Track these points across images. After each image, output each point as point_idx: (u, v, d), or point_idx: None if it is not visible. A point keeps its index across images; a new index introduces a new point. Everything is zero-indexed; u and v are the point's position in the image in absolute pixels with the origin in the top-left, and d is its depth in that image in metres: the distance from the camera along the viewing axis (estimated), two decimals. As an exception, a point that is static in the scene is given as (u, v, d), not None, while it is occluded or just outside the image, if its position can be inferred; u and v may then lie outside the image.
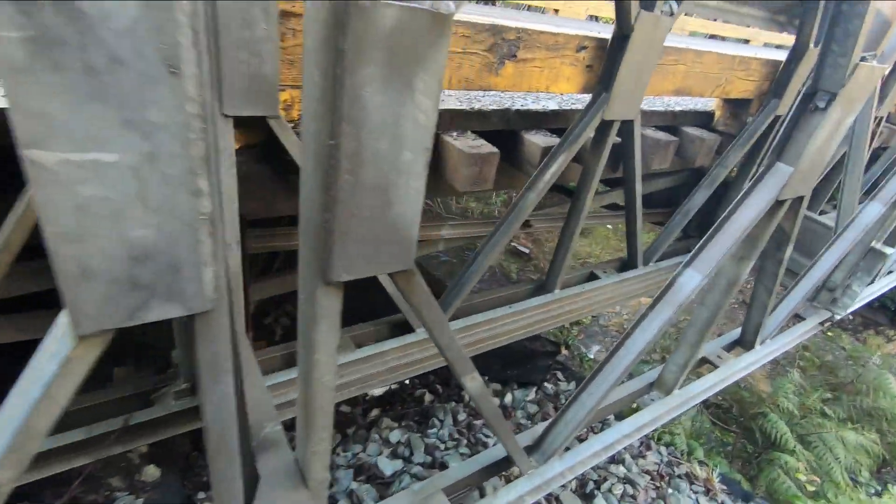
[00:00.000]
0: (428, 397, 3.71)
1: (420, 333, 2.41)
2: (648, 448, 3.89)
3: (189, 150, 0.59)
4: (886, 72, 1.64)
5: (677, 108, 3.32)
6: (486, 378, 3.88)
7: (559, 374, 4.27)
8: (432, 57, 0.69)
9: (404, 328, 2.40)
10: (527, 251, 10.39)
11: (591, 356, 7.98)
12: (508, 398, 3.80)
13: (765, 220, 1.85)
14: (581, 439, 2.22)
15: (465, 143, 2.16)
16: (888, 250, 3.09)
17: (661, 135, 3.03)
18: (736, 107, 3.39)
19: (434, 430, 3.60)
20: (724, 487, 3.97)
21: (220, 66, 1.37)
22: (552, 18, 6.74)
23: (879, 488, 4.34)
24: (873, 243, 3.12)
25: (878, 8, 1.52)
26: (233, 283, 1.75)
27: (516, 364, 3.91)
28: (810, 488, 4.03)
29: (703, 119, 3.51)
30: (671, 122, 3.26)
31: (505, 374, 3.90)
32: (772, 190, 1.75)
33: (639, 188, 2.85)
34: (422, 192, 0.83)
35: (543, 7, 8.07)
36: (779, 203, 1.81)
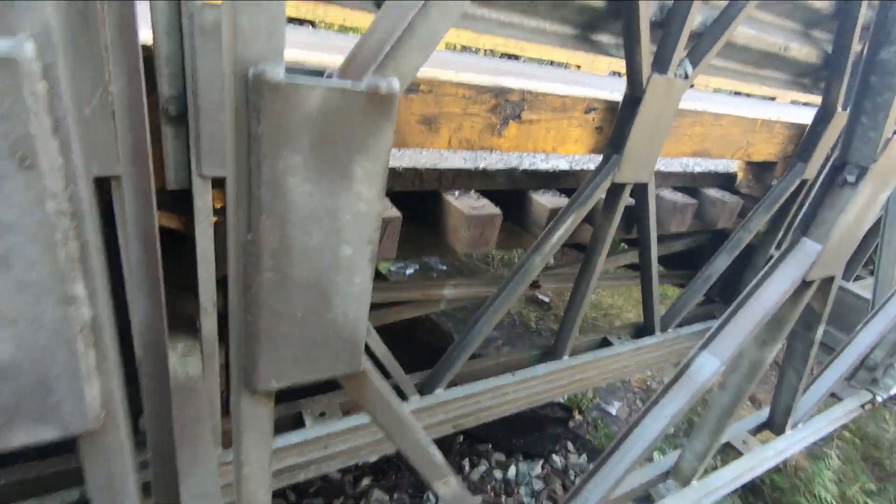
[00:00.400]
0: (425, 466, 3.45)
1: (414, 401, 2.25)
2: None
3: (55, 252, 0.49)
4: (924, 146, 1.50)
5: (697, 170, 3.20)
6: (490, 447, 3.63)
7: (570, 445, 3.97)
8: (374, 141, 0.59)
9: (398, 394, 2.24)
10: (547, 300, 10.13)
11: (614, 412, 7.50)
12: (512, 471, 3.51)
13: (790, 301, 1.67)
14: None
15: (467, 204, 2.07)
16: (934, 328, 2.82)
17: (679, 197, 2.89)
18: (759, 169, 3.24)
19: (428, 504, 3.33)
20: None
21: (199, 126, 1.31)
22: (573, 74, 6.81)
23: None
24: (917, 320, 2.86)
25: (911, 79, 1.39)
26: (207, 350, 1.63)
27: (523, 432, 3.65)
28: None
29: (725, 180, 3.37)
30: (690, 184, 3.14)
31: (510, 444, 3.64)
32: (798, 269, 1.58)
33: (654, 252, 2.69)
34: (368, 287, 0.71)
35: (566, 63, 8.21)
36: (806, 283, 1.63)
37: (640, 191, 2.43)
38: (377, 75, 0.58)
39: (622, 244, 4.30)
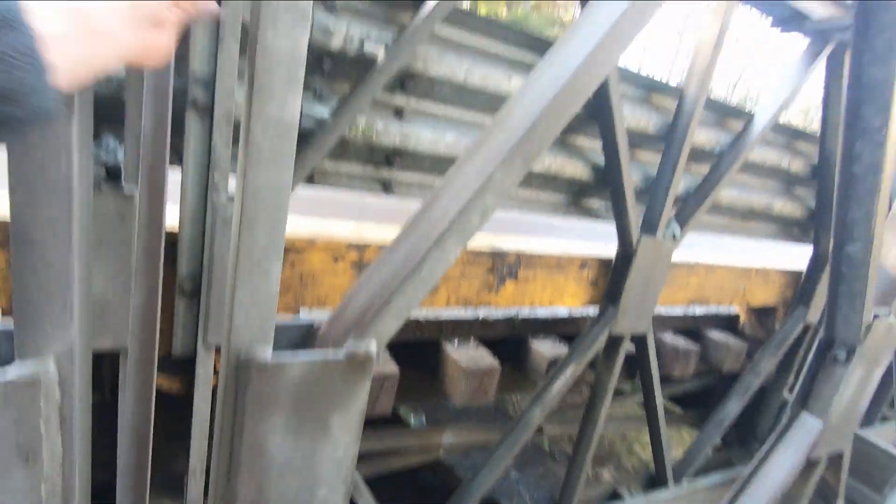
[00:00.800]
0: None
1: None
2: None
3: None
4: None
5: (699, 312, 3.23)
6: None
7: None
8: (352, 398, 0.64)
9: (387, 562, 2.08)
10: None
11: None
12: None
13: (799, 480, 1.60)
14: None
15: (465, 355, 2.10)
16: (972, 494, 2.60)
17: (682, 342, 2.89)
18: (761, 314, 3.27)
19: None
20: None
21: (210, 300, 1.41)
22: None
23: None
24: (951, 483, 2.65)
25: (883, 268, 1.47)
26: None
27: None
28: None
29: (728, 322, 3.38)
30: (692, 326, 3.15)
31: None
32: (802, 447, 1.53)
33: (659, 401, 2.63)
34: (342, 525, 0.72)
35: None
36: (812, 462, 1.57)
37: (639, 340, 2.45)
38: (357, 339, 0.65)
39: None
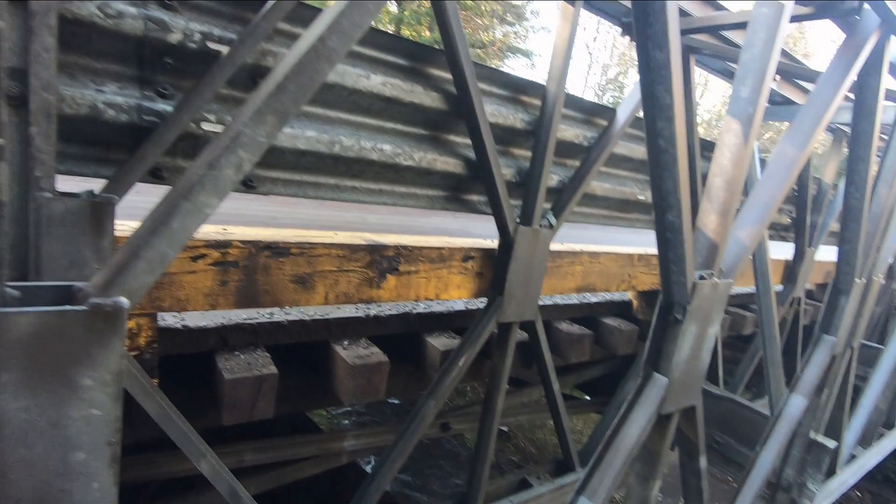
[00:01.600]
0: None
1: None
2: None
3: None
4: (730, 286, 1.72)
5: (594, 300, 3.43)
6: None
7: None
8: (102, 354, 0.64)
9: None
10: (506, 429, 9.69)
11: None
12: None
13: (656, 434, 1.73)
14: None
15: (353, 353, 2.10)
16: (830, 443, 2.92)
17: (576, 328, 3.05)
18: (649, 297, 3.51)
19: None
20: None
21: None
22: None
23: None
24: (812, 435, 2.96)
25: (703, 232, 1.64)
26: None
27: None
28: None
29: (623, 308, 3.60)
30: (588, 314, 3.33)
31: None
32: (653, 403, 1.67)
33: (555, 386, 2.75)
34: (111, 492, 0.70)
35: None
36: (664, 416, 1.71)
37: (529, 328, 2.56)
38: (103, 292, 0.65)
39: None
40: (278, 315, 2.11)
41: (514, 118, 2.25)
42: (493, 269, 2.33)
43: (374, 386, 2.09)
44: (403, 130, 1.99)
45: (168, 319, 1.88)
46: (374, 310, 2.39)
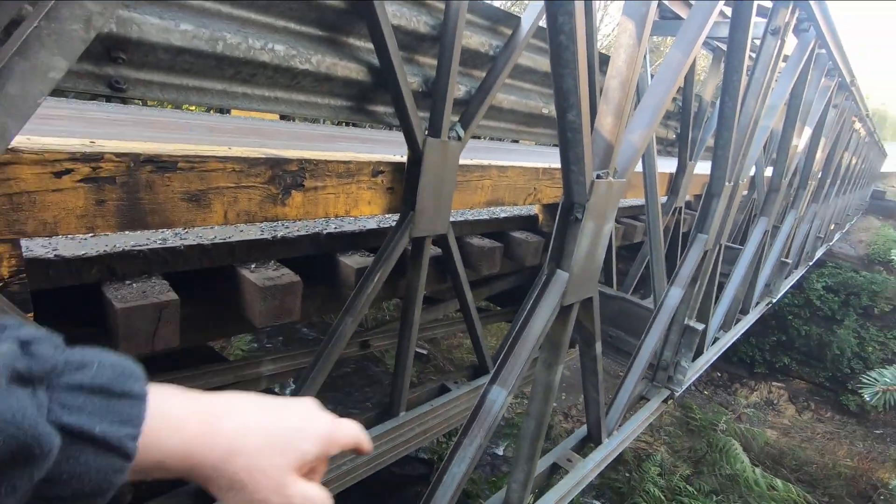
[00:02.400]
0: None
1: None
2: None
3: None
4: (624, 186, 1.86)
5: (503, 215, 3.56)
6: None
7: (432, 501, 3.89)
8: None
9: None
10: (425, 352, 10.11)
11: (501, 452, 7.55)
12: (369, 544, 3.30)
13: (558, 324, 1.89)
14: None
15: (262, 276, 2.01)
16: (699, 326, 3.41)
17: (486, 242, 3.17)
18: (553, 210, 3.70)
19: None
20: None
21: None
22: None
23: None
24: (686, 321, 3.43)
25: (600, 133, 1.72)
26: None
27: (382, 499, 3.50)
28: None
29: (530, 222, 3.78)
30: (498, 228, 3.46)
31: (366, 516, 3.45)
32: (556, 296, 1.80)
33: (469, 296, 2.88)
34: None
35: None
36: (566, 307, 1.86)
37: (442, 242, 2.62)
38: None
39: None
40: (172, 241, 1.94)
41: (418, 21, 2.14)
42: (405, 183, 2.30)
43: (287, 307, 2.05)
44: (297, 30, 1.81)
45: (36, 250, 1.66)
46: (281, 231, 2.29)
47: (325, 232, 2.41)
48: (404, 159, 2.31)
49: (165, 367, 2.47)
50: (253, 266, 2.09)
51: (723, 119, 2.74)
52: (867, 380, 2.63)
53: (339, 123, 8.24)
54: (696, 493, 4.22)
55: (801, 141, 4.70)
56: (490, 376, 1.76)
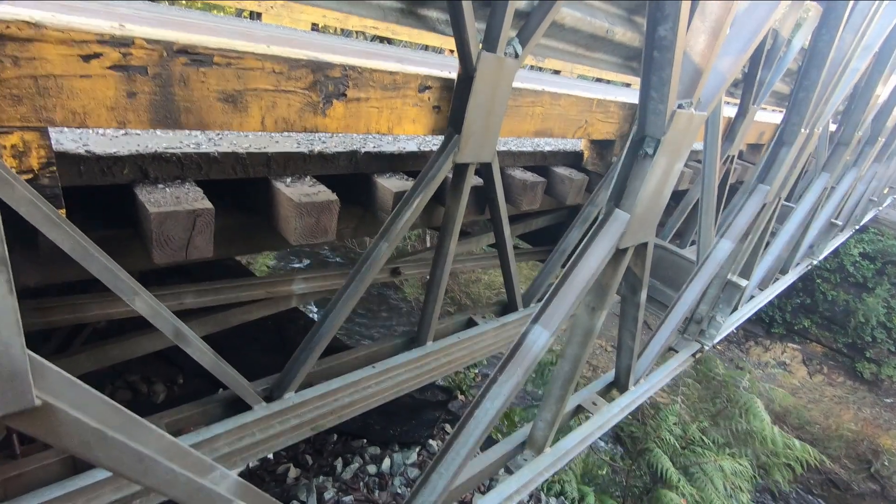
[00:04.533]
0: (293, 473, 3.26)
1: (259, 410, 2.06)
2: (539, 502, 3.72)
3: None
4: (706, 119, 1.65)
5: (547, 149, 3.33)
6: (365, 442, 3.54)
7: (448, 427, 4.02)
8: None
9: (238, 406, 2.04)
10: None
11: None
12: (386, 464, 3.44)
13: (610, 268, 1.76)
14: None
15: (299, 191, 1.91)
16: (742, 282, 3.25)
17: (529, 175, 2.99)
18: (601, 147, 3.47)
19: (294, 514, 3.13)
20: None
21: None
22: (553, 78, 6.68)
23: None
24: (730, 276, 3.27)
25: (689, 56, 1.50)
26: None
27: (401, 421, 3.62)
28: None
29: (574, 159, 3.56)
30: (541, 163, 3.26)
31: (386, 435, 3.57)
32: (612, 238, 1.66)
33: (507, 231, 2.75)
34: (10, 307, 0.55)
35: (441, 48, 8.23)
36: (621, 251, 1.73)
37: (485, 171, 2.45)
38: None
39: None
40: (206, 146, 1.82)
41: None
42: (453, 101, 2.10)
43: (323, 226, 1.96)
44: None
45: (67, 144, 1.56)
46: (318, 146, 2.15)
47: (363, 150, 2.26)
48: (453, 76, 2.10)
49: (195, 277, 2.45)
50: (289, 180, 1.98)
51: (814, 54, 2.41)
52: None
53: (372, 39, 7.81)
54: (710, 444, 4.29)
55: (884, 91, 4.24)
56: (535, 314, 1.67)
